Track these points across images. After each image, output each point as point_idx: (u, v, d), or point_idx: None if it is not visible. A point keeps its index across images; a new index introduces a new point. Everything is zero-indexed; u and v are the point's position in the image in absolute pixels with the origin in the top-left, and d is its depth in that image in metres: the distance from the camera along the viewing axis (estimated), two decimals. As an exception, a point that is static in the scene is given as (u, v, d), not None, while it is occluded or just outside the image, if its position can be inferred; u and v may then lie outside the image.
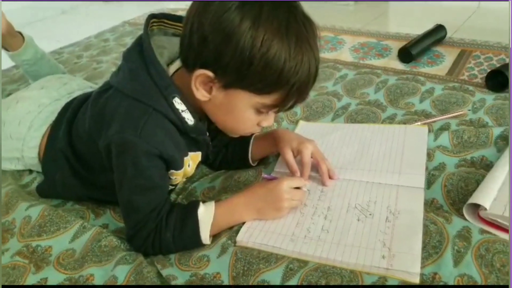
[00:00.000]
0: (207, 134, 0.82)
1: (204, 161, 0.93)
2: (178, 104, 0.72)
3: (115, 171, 0.74)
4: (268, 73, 0.64)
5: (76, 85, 1.10)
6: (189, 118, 0.74)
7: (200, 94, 0.70)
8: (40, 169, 0.98)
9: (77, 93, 1.01)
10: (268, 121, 0.76)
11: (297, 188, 0.81)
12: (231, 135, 0.82)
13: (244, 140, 0.93)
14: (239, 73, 0.65)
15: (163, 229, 0.75)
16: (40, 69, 1.29)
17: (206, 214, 0.76)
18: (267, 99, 0.69)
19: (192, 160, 0.83)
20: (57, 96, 1.01)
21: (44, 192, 0.95)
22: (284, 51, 0.63)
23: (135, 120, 0.70)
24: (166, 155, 0.73)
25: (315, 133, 1.05)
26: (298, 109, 1.19)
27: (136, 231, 0.75)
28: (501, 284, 0.64)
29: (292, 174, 0.87)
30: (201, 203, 0.78)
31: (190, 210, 0.77)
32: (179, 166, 0.78)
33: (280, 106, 0.71)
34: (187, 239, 0.76)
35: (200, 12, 0.65)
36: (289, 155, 0.87)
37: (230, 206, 0.79)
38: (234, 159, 0.97)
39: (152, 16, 0.77)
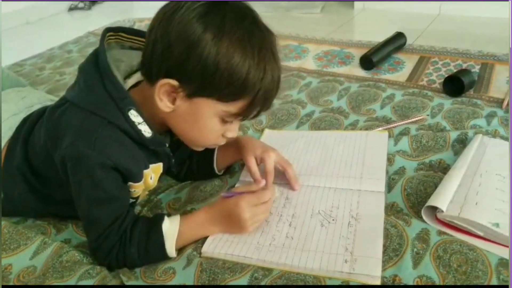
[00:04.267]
0: (167, 145, 0.81)
1: (168, 173, 0.93)
2: (134, 116, 0.71)
3: (72, 184, 0.73)
4: (233, 80, 0.65)
5: (36, 99, 1.07)
6: (146, 130, 0.73)
7: (164, 104, 0.70)
8: (-1, 186, 0.96)
9: (36, 107, 0.98)
10: (232, 131, 0.77)
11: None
12: (195, 148, 0.81)
13: (209, 149, 0.93)
14: (204, 80, 0.66)
15: (127, 243, 0.74)
16: None
17: (171, 228, 0.76)
18: (232, 107, 0.70)
19: (154, 172, 0.82)
20: (15, 110, 0.98)
21: (4, 210, 0.92)
22: (248, 58, 0.65)
23: (89, 132, 0.69)
24: (121, 167, 0.72)
25: (280, 141, 1.06)
26: (263, 117, 1.20)
27: (98, 244, 0.74)
28: (458, 284, 0.66)
29: (255, 182, 0.87)
30: (166, 217, 0.77)
31: (155, 224, 0.76)
32: (137, 178, 0.77)
33: (245, 114, 0.72)
34: (152, 253, 0.76)
35: (164, 21, 0.66)
36: (252, 163, 0.87)
37: (195, 221, 0.79)
38: (199, 168, 0.97)
39: (108, 30, 0.76)
